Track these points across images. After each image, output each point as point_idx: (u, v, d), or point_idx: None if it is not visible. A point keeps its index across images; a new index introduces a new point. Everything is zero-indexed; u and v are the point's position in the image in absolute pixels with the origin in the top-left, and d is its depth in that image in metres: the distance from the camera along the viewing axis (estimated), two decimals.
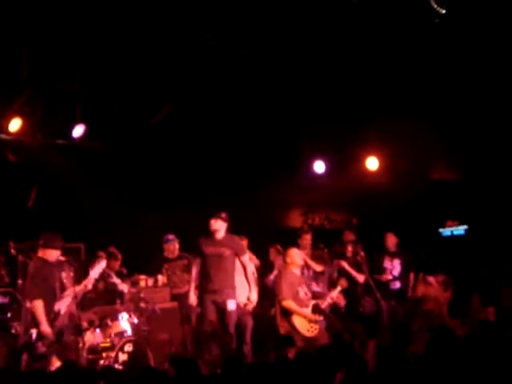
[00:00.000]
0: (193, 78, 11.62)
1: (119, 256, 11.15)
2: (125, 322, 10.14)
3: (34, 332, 8.78)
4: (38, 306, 8.80)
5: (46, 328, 8.77)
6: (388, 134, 12.69)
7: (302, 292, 10.49)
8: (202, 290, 10.08)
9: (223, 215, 10.30)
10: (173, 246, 11.78)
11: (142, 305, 10.76)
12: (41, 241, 9.20)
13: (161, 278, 11.63)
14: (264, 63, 11.34)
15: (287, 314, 10.27)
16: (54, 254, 9.12)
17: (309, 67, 11.47)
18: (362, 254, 11.60)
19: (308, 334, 10.21)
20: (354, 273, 11.64)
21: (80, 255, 12.33)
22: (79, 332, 9.25)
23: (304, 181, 13.68)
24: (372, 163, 13.53)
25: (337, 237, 12.73)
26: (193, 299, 10.35)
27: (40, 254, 9.17)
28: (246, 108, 12.45)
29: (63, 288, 9.27)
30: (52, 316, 8.92)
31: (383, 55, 11.08)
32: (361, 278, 11.59)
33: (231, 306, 9.96)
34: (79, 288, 9.23)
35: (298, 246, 11.63)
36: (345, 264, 11.66)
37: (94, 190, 12.38)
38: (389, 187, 13.39)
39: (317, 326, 10.32)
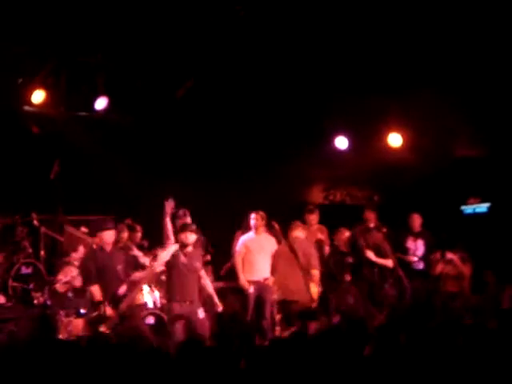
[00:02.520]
0: (217, 50, 11.56)
1: (138, 228, 11.15)
2: (147, 295, 10.20)
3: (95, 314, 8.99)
4: (95, 290, 9.01)
5: (106, 309, 8.93)
6: (412, 110, 12.57)
7: None
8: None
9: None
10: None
11: (163, 278, 10.80)
12: (93, 227, 9.43)
13: None
14: (290, 38, 11.26)
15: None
16: (109, 235, 9.28)
17: (334, 42, 11.39)
18: (384, 230, 11.45)
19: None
20: (382, 261, 11.39)
21: None
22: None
23: (326, 156, 13.61)
24: (395, 139, 13.42)
25: (357, 213, 12.68)
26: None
27: (97, 240, 9.35)
28: (270, 82, 12.38)
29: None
30: (116, 299, 9.10)
31: (408, 29, 10.98)
32: (389, 262, 11.36)
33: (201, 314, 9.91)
34: (147, 272, 9.39)
35: (304, 222, 11.71)
36: (371, 255, 11.37)
37: (116, 163, 12.40)
38: (411, 164, 13.31)
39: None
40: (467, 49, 11.23)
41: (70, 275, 10.21)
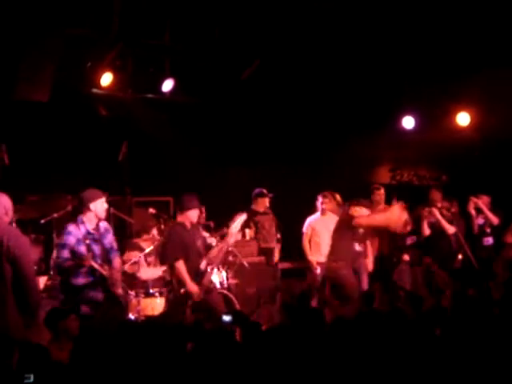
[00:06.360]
0: (282, 31, 11.53)
1: (203, 209, 11.21)
2: (214, 275, 10.27)
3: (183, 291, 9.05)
4: (180, 266, 9.04)
5: (191, 287, 9.02)
6: (480, 89, 12.38)
7: None
8: None
9: None
10: (265, 201, 11.79)
11: (230, 258, 10.89)
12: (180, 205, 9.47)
13: (248, 232, 11.71)
14: (358, 19, 11.17)
15: None
16: (195, 214, 9.34)
17: (401, 23, 11.27)
18: (454, 210, 11.37)
19: None
20: (444, 223, 11.33)
21: (169, 208, 12.50)
22: None
23: (393, 136, 13.50)
24: (463, 119, 13.24)
25: (425, 193, 12.56)
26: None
27: (178, 218, 9.39)
28: (336, 62, 12.31)
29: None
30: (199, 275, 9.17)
31: (478, 8, 10.80)
32: (451, 229, 11.31)
33: None
34: (221, 245, 9.44)
35: (371, 201, 11.65)
36: (436, 212, 11.31)
37: (184, 144, 12.50)
38: (480, 144, 13.13)
39: None
40: None
41: (136, 256, 10.34)
